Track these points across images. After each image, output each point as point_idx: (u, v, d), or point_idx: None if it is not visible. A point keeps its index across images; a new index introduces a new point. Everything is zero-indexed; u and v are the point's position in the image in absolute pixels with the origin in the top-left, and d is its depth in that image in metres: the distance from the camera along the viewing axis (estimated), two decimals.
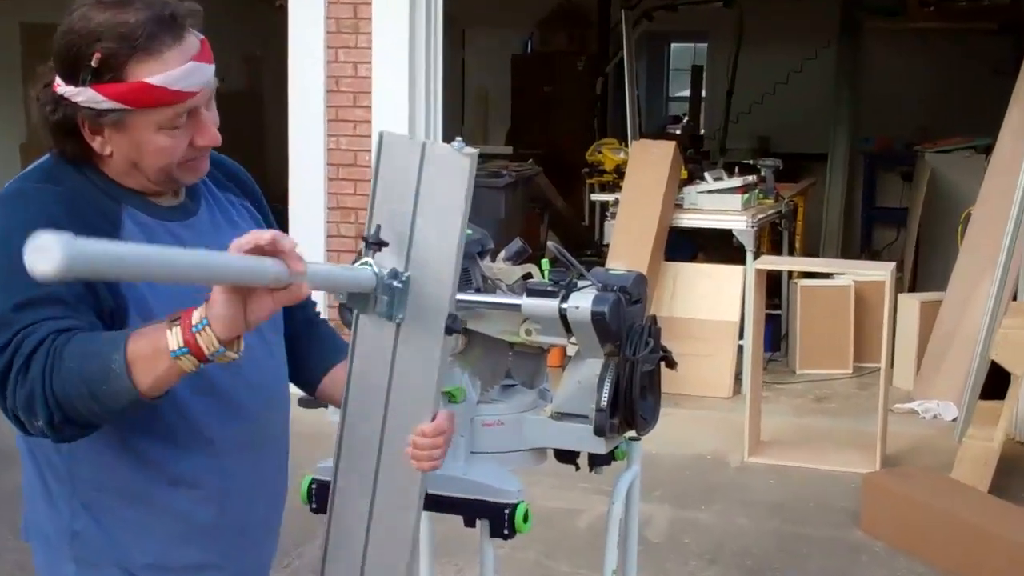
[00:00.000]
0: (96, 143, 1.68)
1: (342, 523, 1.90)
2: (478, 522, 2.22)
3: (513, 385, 2.43)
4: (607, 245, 7.23)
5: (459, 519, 2.25)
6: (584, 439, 2.24)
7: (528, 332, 2.23)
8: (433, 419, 1.73)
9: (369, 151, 6.37)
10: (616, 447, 2.39)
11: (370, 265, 1.62)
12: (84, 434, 1.62)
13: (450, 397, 2.22)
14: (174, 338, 1.48)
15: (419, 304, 1.66)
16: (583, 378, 2.24)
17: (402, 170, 1.68)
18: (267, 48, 9.59)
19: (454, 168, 1.65)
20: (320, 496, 2.10)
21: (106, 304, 1.64)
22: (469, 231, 2.26)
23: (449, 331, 1.67)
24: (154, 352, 1.50)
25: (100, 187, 1.71)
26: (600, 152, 8.34)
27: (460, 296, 2.25)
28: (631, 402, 2.21)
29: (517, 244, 2.33)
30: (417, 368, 1.71)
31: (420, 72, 6.23)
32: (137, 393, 1.53)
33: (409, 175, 1.68)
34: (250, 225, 1.88)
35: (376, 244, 1.65)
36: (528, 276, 2.31)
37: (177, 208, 1.78)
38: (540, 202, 8.40)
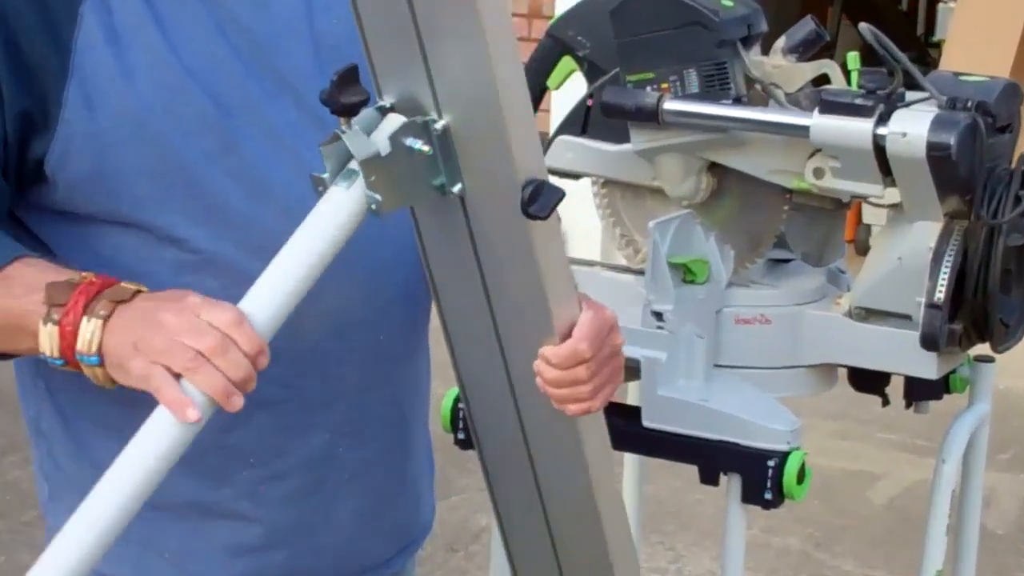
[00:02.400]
0: None
1: (505, 488, 2.04)
2: (722, 479, 2.30)
3: (788, 260, 2.49)
4: (939, 43, 7.06)
5: (686, 472, 2.32)
6: (902, 353, 2.29)
7: (818, 173, 2.27)
8: (565, 337, 1.77)
9: None
10: (953, 371, 2.44)
11: (341, 135, 1.62)
12: None
13: (686, 273, 2.29)
14: (47, 337, 1.65)
15: (475, 168, 1.65)
16: (906, 253, 2.28)
17: None
18: None
19: None
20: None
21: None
22: (727, 3, 2.30)
23: (529, 212, 1.65)
24: (15, 317, 1.68)
25: None
26: None
27: (706, 108, 2.32)
28: (986, 297, 2.23)
29: (806, 26, 2.35)
30: (511, 264, 1.75)
31: None
32: None
33: None
34: None
35: (342, 107, 1.63)
36: (822, 80, 2.33)
37: None
38: None
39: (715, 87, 2.30)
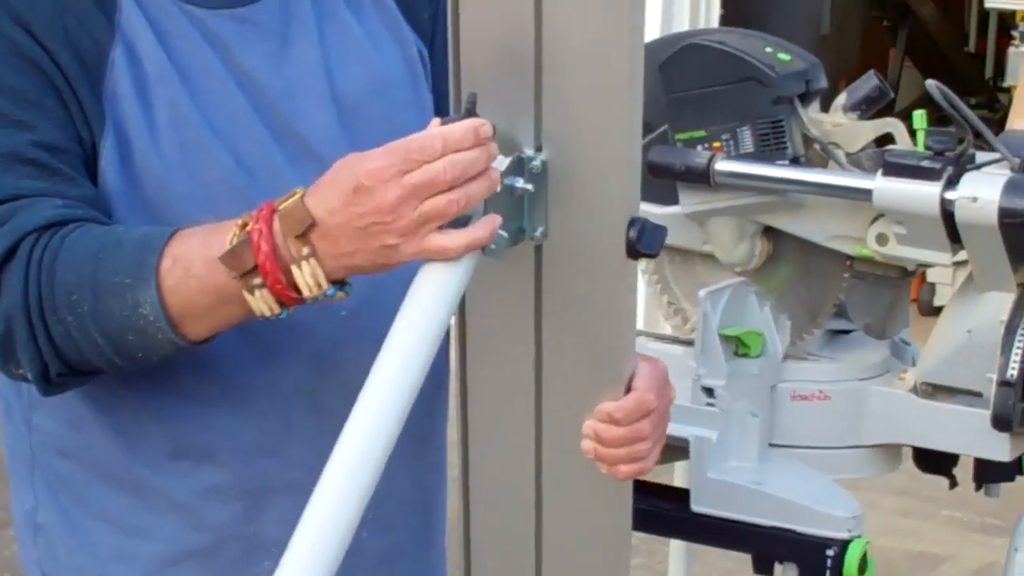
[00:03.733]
0: None
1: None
2: (777, 568, 2.24)
3: (848, 332, 2.42)
4: (1009, 89, 7.04)
5: (737, 560, 2.27)
6: (972, 433, 2.22)
7: (882, 239, 2.20)
8: (627, 391, 1.74)
9: None
10: None
11: None
12: (87, 381, 1.73)
13: (739, 346, 2.23)
14: (261, 302, 1.58)
15: (569, 207, 1.63)
16: (976, 326, 2.22)
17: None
18: None
19: None
20: None
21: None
22: (785, 56, 2.24)
23: (635, 252, 1.63)
24: (216, 295, 1.60)
25: None
26: None
27: (761, 170, 2.26)
28: None
29: (869, 82, 2.28)
30: (584, 314, 1.70)
31: None
32: (183, 343, 1.64)
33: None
34: (380, 32, 1.88)
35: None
36: (886, 140, 2.27)
37: None
38: (892, 8, 8.25)
39: (771, 146, 2.23)
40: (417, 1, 1.95)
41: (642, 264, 2.45)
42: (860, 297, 2.36)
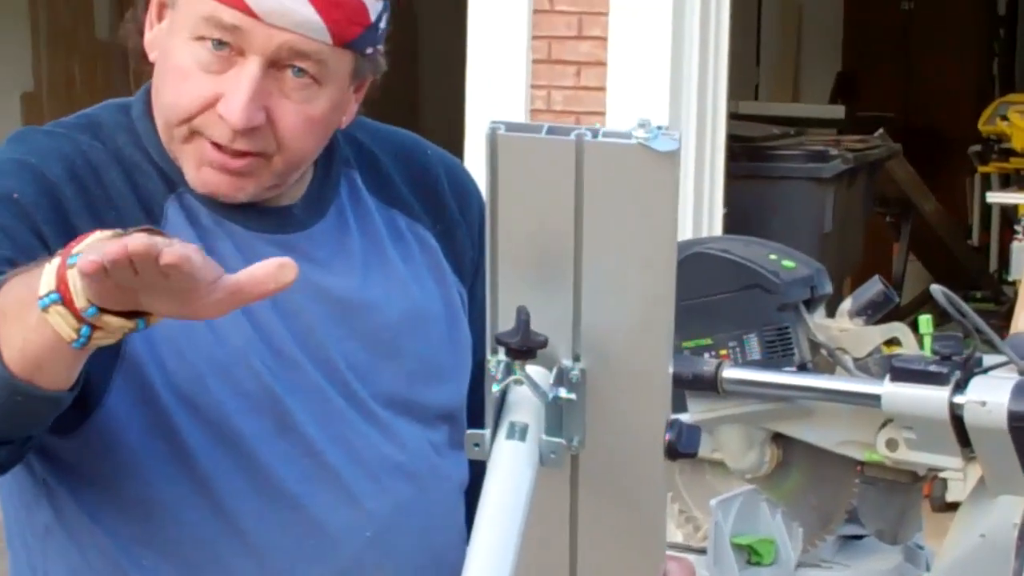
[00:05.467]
0: (149, 35, 1.83)
1: None
2: None
3: (861, 537, 2.42)
4: (1015, 283, 7.07)
5: None
6: None
7: (891, 445, 2.21)
8: None
9: (602, 113, 6.42)
10: None
11: (524, 381, 1.58)
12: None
13: (751, 555, 2.23)
14: (48, 275, 1.55)
15: (605, 414, 1.63)
16: (989, 530, 2.21)
17: (544, 191, 1.60)
18: None
19: (648, 177, 1.58)
20: None
21: None
22: (789, 263, 2.27)
23: (675, 453, 1.64)
24: (26, 298, 1.57)
25: (153, 157, 1.83)
26: (1004, 119, 8.17)
27: (769, 377, 2.27)
28: None
29: (874, 287, 2.31)
30: (619, 521, 1.69)
31: None
32: (10, 378, 1.59)
33: (558, 199, 1.60)
34: (423, 272, 1.91)
35: (525, 349, 1.59)
36: (893, 343, 2.29)
37: (279, 212, 1.83)
38: (895, 204, 8.30)
39: (778, 353, 2.25)
40: (460, 245, 1.99)
41: None
42: (871, 502, 2.34)
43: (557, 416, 1.60)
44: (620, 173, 1.57)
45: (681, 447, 1.59)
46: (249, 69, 1.80)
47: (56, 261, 1.55)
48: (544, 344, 1.57)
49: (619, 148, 1.55)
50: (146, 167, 1.87)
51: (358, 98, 1.90)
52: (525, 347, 1.56)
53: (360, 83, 1.88)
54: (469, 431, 1.57)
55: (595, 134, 1.56)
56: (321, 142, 1.87)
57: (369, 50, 1.84)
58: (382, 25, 1.85)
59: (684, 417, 2.33)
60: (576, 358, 1.60)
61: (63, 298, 1.55)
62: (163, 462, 1.77)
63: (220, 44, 1.80)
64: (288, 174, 1.86)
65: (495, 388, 1.56)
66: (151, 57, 1.88)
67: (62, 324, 1.57)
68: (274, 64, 1.80)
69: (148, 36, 1.88)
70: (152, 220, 1.78)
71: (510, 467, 1.55)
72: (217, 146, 1.81)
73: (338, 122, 1.89)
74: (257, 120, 1.79)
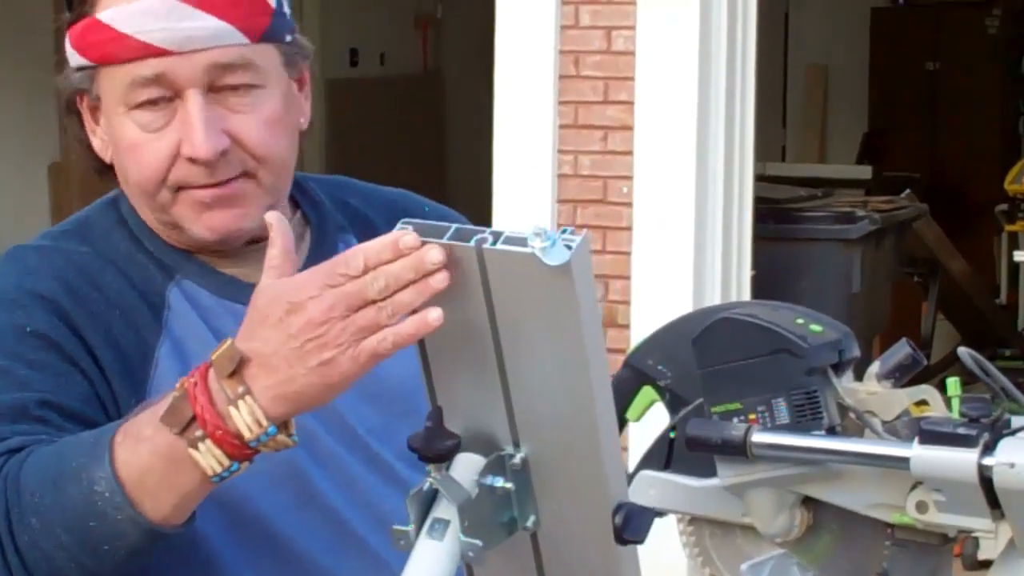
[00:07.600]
0: (96, 140, 1.85)
1: None
2: None
3: None
4: None
5: None
6: None
7: (921, 507, 2.20)
8: None
9: (629, 177, 6.44)
10: None
11: (434, 481, 1.57)
12: None
13: None
14: (208, 454, 1.57)
15: (556, 496, 1.63)
16: None
17: (459, 288, 1.60)
18: (453, 6, 9.86)
19: (544, 285, 1.58)
20: None
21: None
22: (816, 327, 2.27)
23: (621, 539, 1.63)
24: (165, 456, 1.58)
25: (147, 247, 1.84)
26: None
27: (798, 441, 2.26)
28: None
29: (902, 350, 2.30)
30: None
31: (717, 41, 6.26)
32: (145, 523, 1.61)
33: (472, 297, 1.60)
34: None
35: (437, 454, 1.58)
36: (922, 405, 2.28)
37: None
38: (922, 264, 8.30)
39: (806, 417, 2.24)
40: None
41: (682, 537, 2.44)
42: (902, 564, 2.32)
43: (493, 503, 1.59)
44: (520, 279, 1.58)
45: (627, 533, 1.62)
46: (192, 103, 1.82)
47: (204, 444, 1.59)
48: (456, 446, 1.58)
49: (516, 256, 1.55)
50: (141, 259, 1.88)
51: (306, 94, 1.91)
52: (432, 454, 1.57)
53: (299, 77, 1.88)
54: (395, 527, 1.58)
55: (496, 239, 1.56)
56: (291, 141, 1.88)
57: (288, 37, 1.86)
58: (286, 10, 1.87)
59: (713, 482, 2.34)
60: (516, 445, 1.61)
61: (239, 458, 1.61)
62: (174, 550, 1.76)
63: (154, 103, 1.82)
64: (278, 187, 1.87)
65: (424, 485, 1.58)
66: (107, 159, 1.89)
67: (212, 463, 1.60)
68: (212, 89, 1.82)
69: (96, 143, 1.89)
70: (156, 310, 1.80)
71: (426, 567, 1.56)
72: (202, 186, 1.83)
73: (296, 122, 1.91)
74: (222, 144, 1.82)
